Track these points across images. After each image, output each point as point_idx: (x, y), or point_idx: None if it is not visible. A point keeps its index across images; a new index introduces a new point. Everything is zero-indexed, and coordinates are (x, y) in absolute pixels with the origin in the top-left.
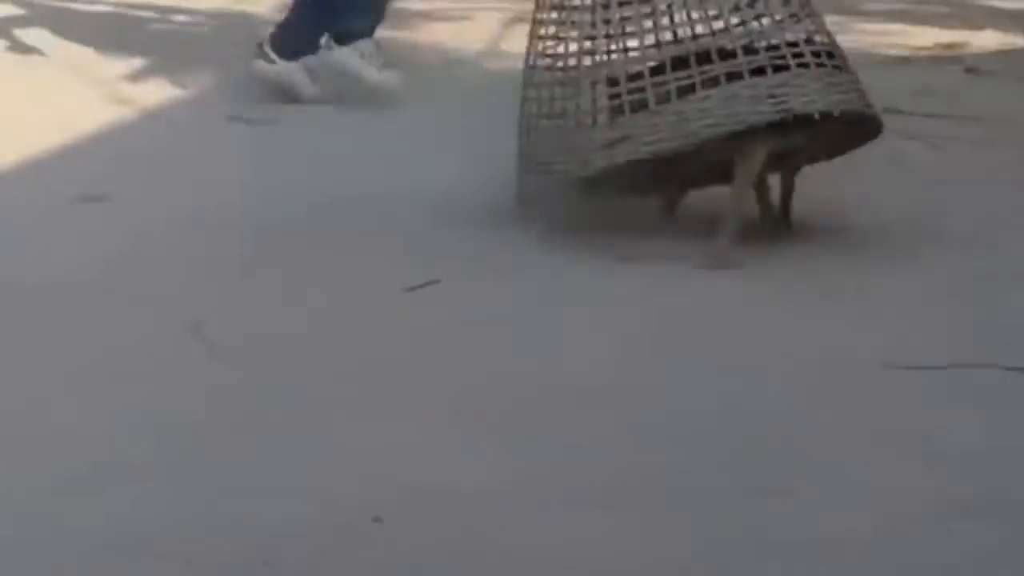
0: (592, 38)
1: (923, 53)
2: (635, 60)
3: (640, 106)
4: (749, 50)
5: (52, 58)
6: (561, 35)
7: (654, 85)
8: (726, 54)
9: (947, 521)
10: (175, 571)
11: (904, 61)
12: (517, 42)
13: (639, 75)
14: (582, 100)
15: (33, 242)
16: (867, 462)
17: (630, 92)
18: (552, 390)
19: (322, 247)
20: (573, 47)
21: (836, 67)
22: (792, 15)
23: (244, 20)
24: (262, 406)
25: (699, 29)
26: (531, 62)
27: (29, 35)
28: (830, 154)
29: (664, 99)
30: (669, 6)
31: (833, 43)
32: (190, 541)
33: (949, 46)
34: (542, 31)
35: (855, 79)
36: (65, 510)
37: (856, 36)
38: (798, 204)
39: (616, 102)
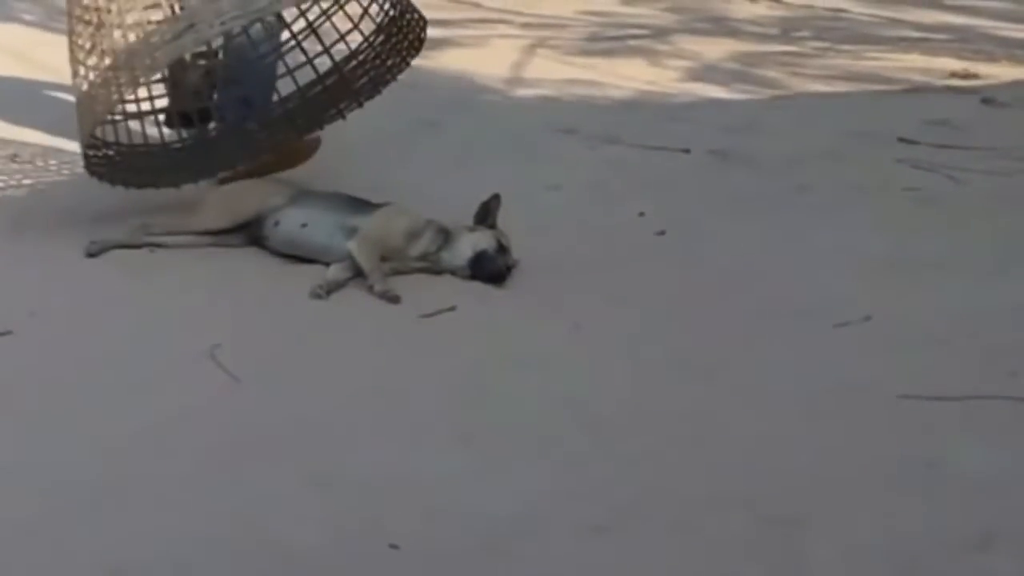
0: None
1: (939, 83)
2: None
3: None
4: None
5: None
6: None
7: None
8: None
9: (958, 552)
10: None
11: (919, 91)
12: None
13: None
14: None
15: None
16: (878, 492)
17: None
18: (563, 417)
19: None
20: None
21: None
22: None
23: None
24: (278, 431)
25: None
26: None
27: None
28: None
29: None
30: None
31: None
32: (205, 564)
33: (965, 76)
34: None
35: None
36: (72, 529)
37: (872, 65)
38: (813, 229)
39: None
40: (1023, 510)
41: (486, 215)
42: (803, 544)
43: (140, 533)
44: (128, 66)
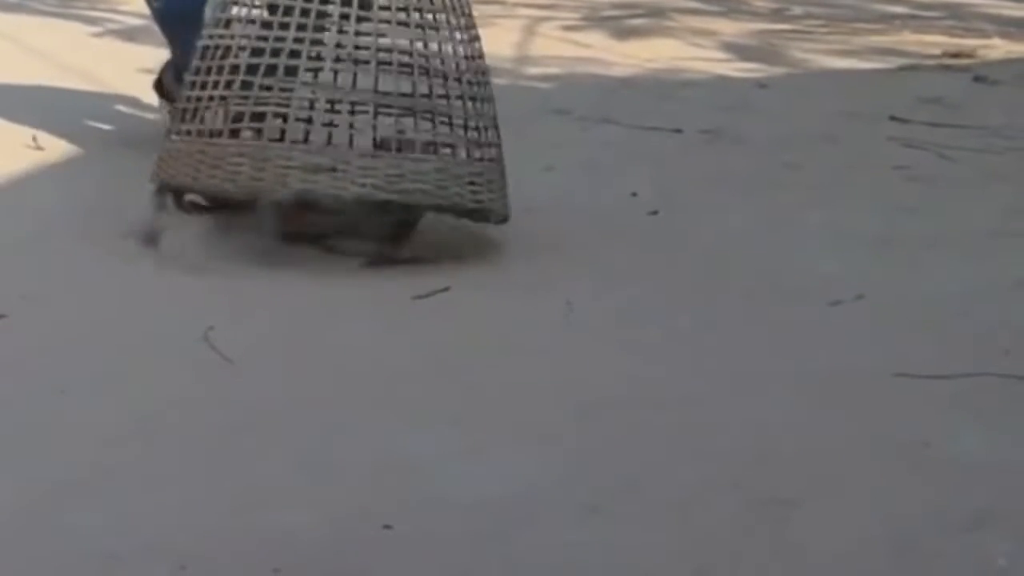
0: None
1: (931, 61)
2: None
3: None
4: (458, 117)
5: None
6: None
7: (376, 126)
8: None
9: (954, 533)
10: None
11: (912, 69)
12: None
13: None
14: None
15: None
16: (874, 473)
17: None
18: (556, 399)
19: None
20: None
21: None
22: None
23: None
24: (270, 414)
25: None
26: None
27: None
28: None
29: (385, 145)
30: None
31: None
32: (199, 549)
33: (957, 54)
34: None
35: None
36: (67, 517)
37: (864, 44)
38: (805, 209)
39: (331, 129)
40: (1018, 489)
41: None
42: (797, 525)
43: (134, 518)
44: (252, 175)
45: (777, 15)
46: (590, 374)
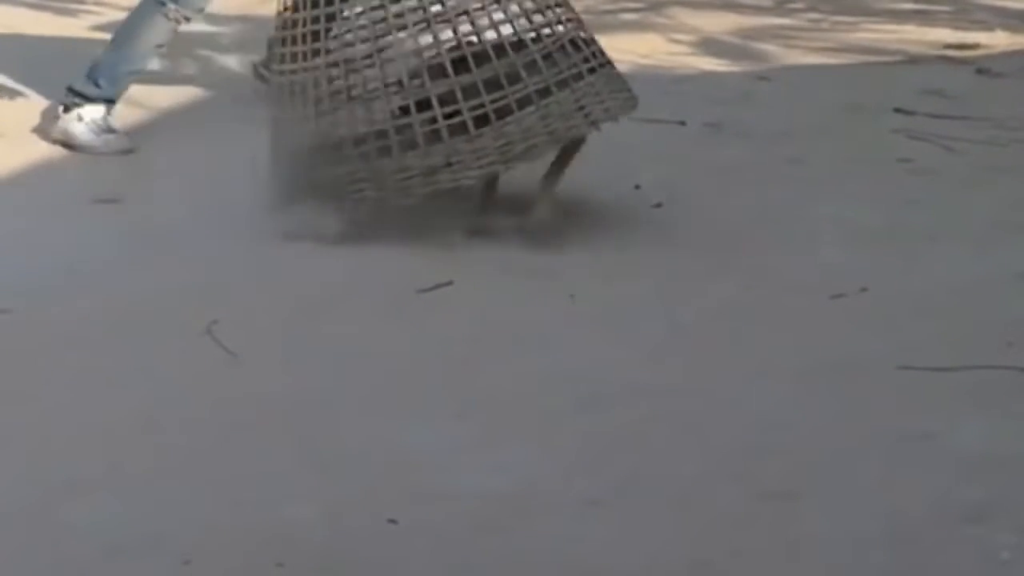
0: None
1: (933, 54)
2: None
3: (459, 130)
4: (544, 60)
5: None
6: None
7: (470, 109)
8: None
9: (956, 526)
10: (187, 573)
11: (914, 62)
12: None
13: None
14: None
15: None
16: (875, 465)
17: (445, 117)
18: (559, 393)
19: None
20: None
21: (608, 63)
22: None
23: None
24: (274, 408)
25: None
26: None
27: None
28: None
29: (483, 122)
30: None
31: (588, 32)
32: (203, 543)
33: (960, 47)
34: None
35: (616, 71)
36: (72, 511)
37: (867, 37)
38: (809, 201)
39: (429, 128)
40: (1021, 482)
41: None
42: (798, 518)
43: (138, 513)
44: (371, 164)
45: (779, 9)
46: (592, 367)
